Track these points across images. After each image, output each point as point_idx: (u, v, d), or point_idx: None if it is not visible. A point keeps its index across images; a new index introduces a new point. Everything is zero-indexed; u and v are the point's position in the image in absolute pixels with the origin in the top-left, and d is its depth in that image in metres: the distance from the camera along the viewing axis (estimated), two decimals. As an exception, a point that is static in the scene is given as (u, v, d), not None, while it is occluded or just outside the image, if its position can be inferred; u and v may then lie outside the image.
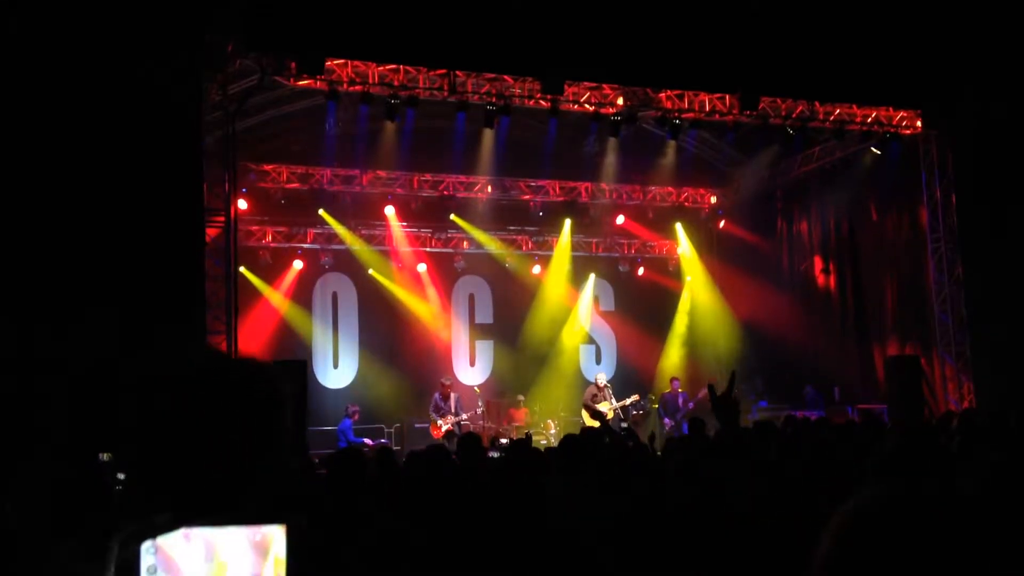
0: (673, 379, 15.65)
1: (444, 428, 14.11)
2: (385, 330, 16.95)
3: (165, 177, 10.24)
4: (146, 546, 1.32)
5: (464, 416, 14.41)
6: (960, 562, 1.04)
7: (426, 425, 14.71)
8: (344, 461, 4.05)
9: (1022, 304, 12.34)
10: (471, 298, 17.93)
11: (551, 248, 18.08)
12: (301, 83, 12.76)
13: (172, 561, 1.35)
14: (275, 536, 1.40)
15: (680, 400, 14.97)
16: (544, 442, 13.99)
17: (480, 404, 15.10)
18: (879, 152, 14.78)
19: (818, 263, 16.97)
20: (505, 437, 13.81)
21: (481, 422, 14.94)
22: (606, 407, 14.10)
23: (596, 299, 18.76)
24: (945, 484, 1.13)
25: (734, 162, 17.69)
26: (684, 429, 12.50)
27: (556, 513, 3.43)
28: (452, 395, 14.57)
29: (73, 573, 1.16)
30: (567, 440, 4.54)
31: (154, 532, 1.30)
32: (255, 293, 15.80)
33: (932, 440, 4.71)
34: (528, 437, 7.69)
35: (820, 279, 16.97)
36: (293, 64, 12.06)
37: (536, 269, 18.09)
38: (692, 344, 18.53)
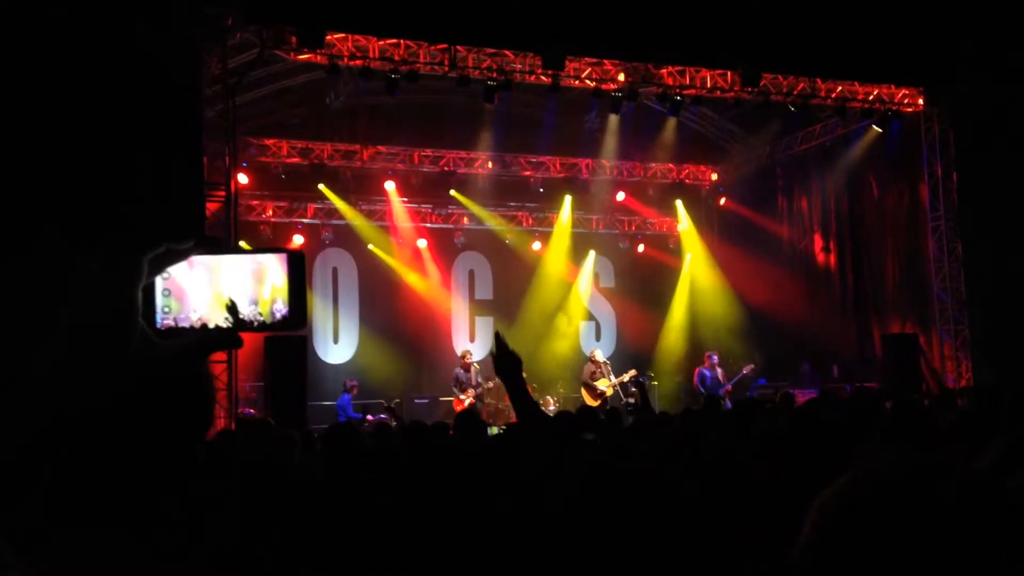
0: (711, 353, 14.67)
1: (467, 401, 14.03)
2: (385, 305, 16.97)
3: (165, 151, 10.22)
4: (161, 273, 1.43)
5: (490, 384, 14.30)
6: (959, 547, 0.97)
7: (426, 400, 14.80)
8: (339, 434, 4.09)
9: (1021, 283, 12.35)
10: (471, 274, 17.94)
11: (551, 224, 18.06)
12: (301, 57, 12.70)
13: (179, 286, 1.46)
14: (270, 265, 1.50)
15: (720, 375, 14.17)
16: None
17: (488, 381, 14.85)
18: (880, 130, 14.74)
19: (818, 240, 16.97)
20: (502, 416, 13.84)
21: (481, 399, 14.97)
22: (605, 384, 14.04)
23: (596, 276, 18.76)
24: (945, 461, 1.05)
25: (735, 139, 17.64)
26: (728, 405, 11.60)
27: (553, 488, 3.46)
28: (472, 366, 14.56)
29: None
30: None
31: (175, 257, 1.37)
32: (256, 268, 15.81)
33: (923, 417, 4.75)
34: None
35: (820, 256, 16.97)
36: (293, 38, 12.01)
37: (536, 245, 18.08)
38: (692, 321, 18.54)
